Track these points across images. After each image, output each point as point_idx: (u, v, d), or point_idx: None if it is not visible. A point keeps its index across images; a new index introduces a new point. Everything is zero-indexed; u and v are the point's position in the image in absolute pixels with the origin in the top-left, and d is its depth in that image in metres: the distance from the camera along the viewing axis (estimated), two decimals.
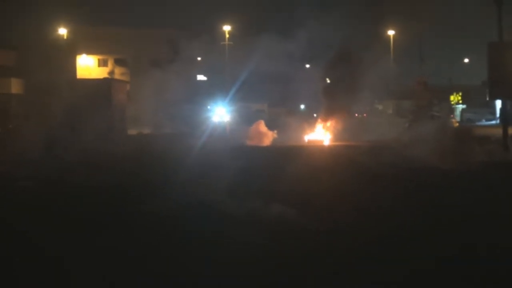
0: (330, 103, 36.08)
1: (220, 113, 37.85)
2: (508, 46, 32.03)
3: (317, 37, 34.58)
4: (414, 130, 33.42)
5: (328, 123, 36.62)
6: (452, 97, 52.19)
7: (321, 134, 36.70)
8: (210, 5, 42.53)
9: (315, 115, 39.75)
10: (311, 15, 36.10)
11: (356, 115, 44.48)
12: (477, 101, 47.66)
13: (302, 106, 46.75)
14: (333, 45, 35.95)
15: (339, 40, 35.84)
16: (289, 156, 24.92)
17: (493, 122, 41.33)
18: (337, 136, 36.46)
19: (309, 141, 35.61)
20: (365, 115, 45.39)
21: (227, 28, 37.21)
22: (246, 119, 38.93)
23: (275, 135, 34.85)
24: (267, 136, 35.07)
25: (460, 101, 51.36)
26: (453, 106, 50.57)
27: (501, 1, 29.87)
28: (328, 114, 36.38)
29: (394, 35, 42.30)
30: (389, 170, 18.24)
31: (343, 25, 36.08)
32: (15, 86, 40.91)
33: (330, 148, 32.48)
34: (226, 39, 36.87)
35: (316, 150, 30.51)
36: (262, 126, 35.18)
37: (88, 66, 44.09)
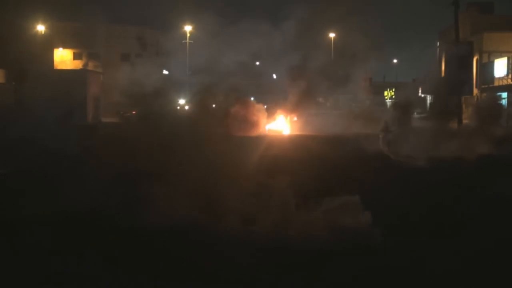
0: (290, 97, 38.98)
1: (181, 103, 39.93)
2: (460, 47, 31.91)
3: (269, 37, 37.29)
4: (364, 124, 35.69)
5: (287, 116, 36.26)
6: (386, 93, 55.01)
7: (280, 124, 37.14)
8: (177, 5, 44.88)
9: (265, 106, 42.00)
10: (265, 15, 38.64)
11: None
12: None
13: (252, 98, 48.22)
14: (286, 44, 38.65)
15: (292, 41, 38.53)
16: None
17: (424, 115, 44.12)
18: (294, 127, 36.83)
19: (269, 131, 35.40)
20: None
21: (188, 28, 39.82)
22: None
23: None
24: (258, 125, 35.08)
25: (393, 96, 54.76)
26: (386, 101, 54.12)
27: (458, 4, 30.57)
28: (288, 107, 36.99)
29: (342, 36, 44.53)
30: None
31: (296, 25, 38.68)
32: None
33: (291, 138, 31.83)
34: (187, 38, 39.36)
35: (281, 140, 30.06)
36: (256, 108, 32.72)
37: (64, 58, 45.11)
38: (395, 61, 37.29)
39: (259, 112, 31.46)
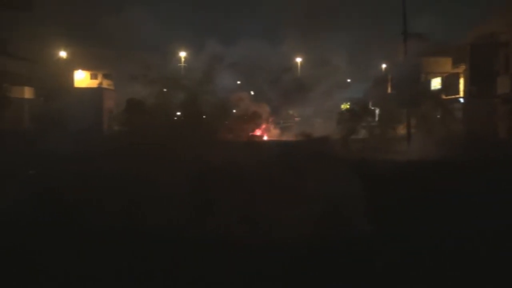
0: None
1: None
2: (412, 66, 35.26)
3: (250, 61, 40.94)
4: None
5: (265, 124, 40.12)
6: (342, 106, 57.56)
7: (260, 131, 39.82)
8: (176, 34, 49.90)
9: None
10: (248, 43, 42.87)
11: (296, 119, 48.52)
12: None
13: None
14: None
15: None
16: None
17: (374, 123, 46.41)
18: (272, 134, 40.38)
19: (250, 136, 37.20)
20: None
21: (182, 54, 45.40)
22: None
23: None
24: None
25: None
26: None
27: (407, 33, 35.31)
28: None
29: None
30: None
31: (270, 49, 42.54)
32: (27, 93, 46.06)
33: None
34: (182, 62, 45.71)
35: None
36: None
37: (82, 78, 49.58)
38: (348, 80, 43.73)
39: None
